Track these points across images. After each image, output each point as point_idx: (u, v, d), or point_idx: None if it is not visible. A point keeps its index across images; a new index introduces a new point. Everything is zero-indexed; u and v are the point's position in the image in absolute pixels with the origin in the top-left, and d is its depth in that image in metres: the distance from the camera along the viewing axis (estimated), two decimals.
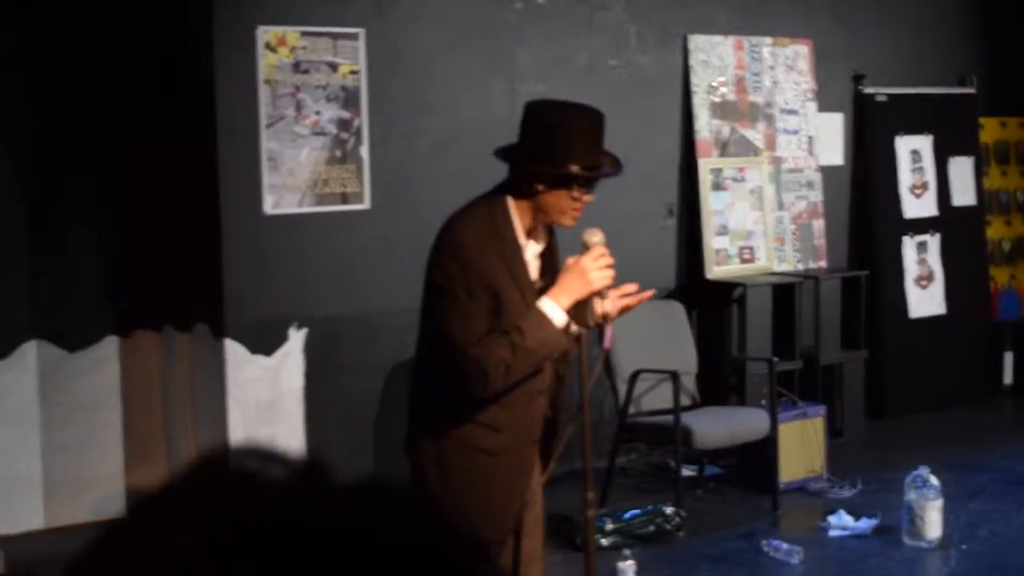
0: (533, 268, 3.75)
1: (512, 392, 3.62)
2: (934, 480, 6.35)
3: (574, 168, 3.59)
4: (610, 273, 3.62)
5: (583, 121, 3.68)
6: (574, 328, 3.63)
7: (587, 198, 3.67)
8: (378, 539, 1.26)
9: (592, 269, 3.57)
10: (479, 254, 3.59)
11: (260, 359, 6.81)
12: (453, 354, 3.56)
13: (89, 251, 6.96)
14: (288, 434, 6.92)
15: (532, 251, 3.75)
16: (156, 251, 7.02)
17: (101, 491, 7.01)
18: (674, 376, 6.70)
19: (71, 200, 6.89)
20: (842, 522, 6.69)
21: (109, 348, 7.04)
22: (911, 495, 6.39)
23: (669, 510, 6.59)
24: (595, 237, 3.66)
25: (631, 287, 3.81)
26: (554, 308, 3.55)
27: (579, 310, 3.61)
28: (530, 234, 3.73)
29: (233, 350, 6.73)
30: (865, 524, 6.65)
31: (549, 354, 3.61)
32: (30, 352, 6.82)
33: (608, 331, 3.68)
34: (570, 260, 3.62)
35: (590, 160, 3.64)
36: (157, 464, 7.15)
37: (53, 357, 6.87)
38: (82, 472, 6.97)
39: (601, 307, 3.66)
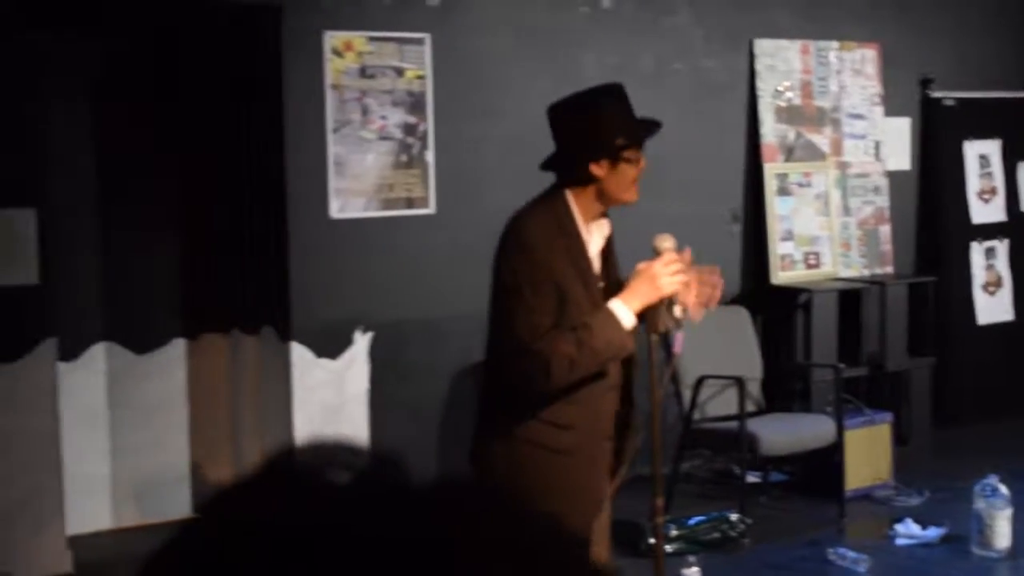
0: (595, 264, 3.76)
1: (579, 389, 3.62)
2: (1004, 489, 6.28)
3: (621, 140, 3.63)
4: (681, 279, 3.63)
5: (608, 96, 3.81)
6: (666, 325, 3.63)
7: (642, 163, 3.72)
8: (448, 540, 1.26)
9: (663, 274, 3.59)
10: (546, 252, 3.62)
11: (326, 362, 6.85)
12: (517, 348, 3.58)
13: (158, 253, 7.03)
14: (353, 437, 6.95)
15: (595, 246, 3.76)
16: (224, 254, 7.08)
17: (167, 492, 7.08)
18: (740, 382, 6.67)
19: (142, 202, 6.96)
20: (909, 530, 6.63)
21: (176, 351, 7.11)
22: (980, 504, 6.31)
23: (734, 517, 6.56)
24: (666, 243, 3.67)
25: (714, 276, 3.79)
26: (623, 310, 3.57)
27: (651, 315, 3.61)
28: (591, 228, 3.75)
29: (299, 353, 6.78)
30: (933, 533, 6.59)
31: (615, 355, 3.62)
32: (100, 354, 6.90)
33: (678, 337, 3.68)
34: (641, 265, 3.63)
35: (631, 126, 3.73)
36: (223, 466, 7.20)
37: (122, 359, 6.95)
38: (149, 473, 7.03)
39: (670, 317, 3.65)
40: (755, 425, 6.76)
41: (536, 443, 3.66)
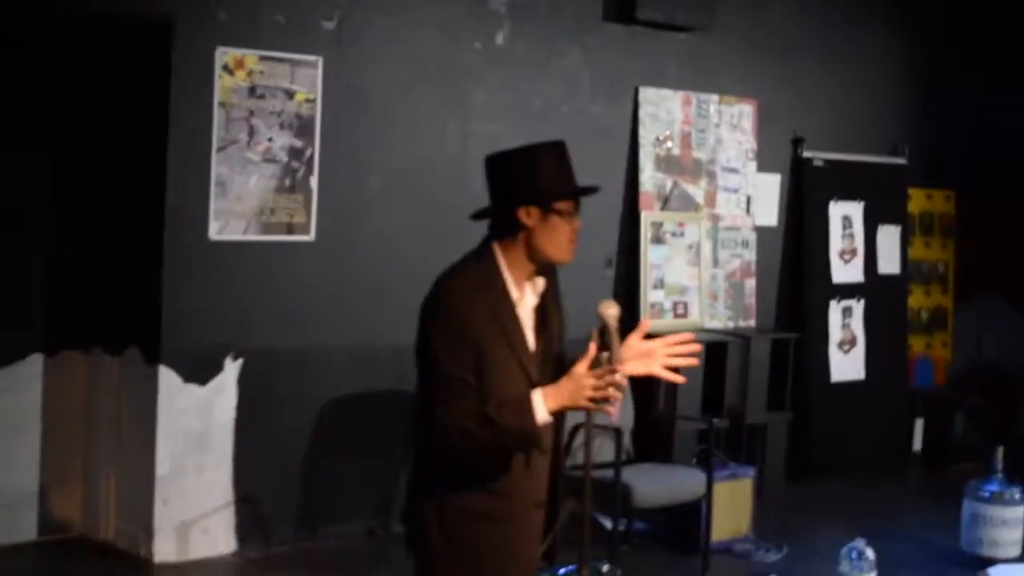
0: (529, 323, 3.63)
1: (518, 456, 3.51)
2: (870, 553, 6.32)
3: (552, 187, 3.52)
4: (615, 395, 3.48)
5: (548, 149, 3.64)
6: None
7: (576, 223, 3.59)
8: None
9: (587, 388, 3.42)
10: (463, 311, 3.47)
11: (193, 388, 6.61)
12: (426, 409, 3.46)
13: (20, 264, 6.71)
14: (215, 466, 6.72)
15: (528, 304, 3.63)
16: (92, 269, 6.79)
17: (13, 515, 6.75)
18: (618, 432, 6.62)
19: (7, 209, 6.65)
20: None
21: (33, 367, 6.79)
22: (845, 567, 6.36)
23: (605, 568, 6.50)
24: (611, 309, 3.55)
25: (687, 340, 3.69)
26: (540, 404, 3.43)
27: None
28: (524, 285, 3.61)
29: (166, 377, 6.52)
30: None
31: (519, 443, 3.48)
32: None
33: (617, 405, 3.57)
34: (578, 367, 3.45)
35: (567, 182, 3.59)
36: (74, 491, 6.90)
37: None
38: None
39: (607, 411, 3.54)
40: (628, 475, 6.72)
41: (466, 510, 3.53)
